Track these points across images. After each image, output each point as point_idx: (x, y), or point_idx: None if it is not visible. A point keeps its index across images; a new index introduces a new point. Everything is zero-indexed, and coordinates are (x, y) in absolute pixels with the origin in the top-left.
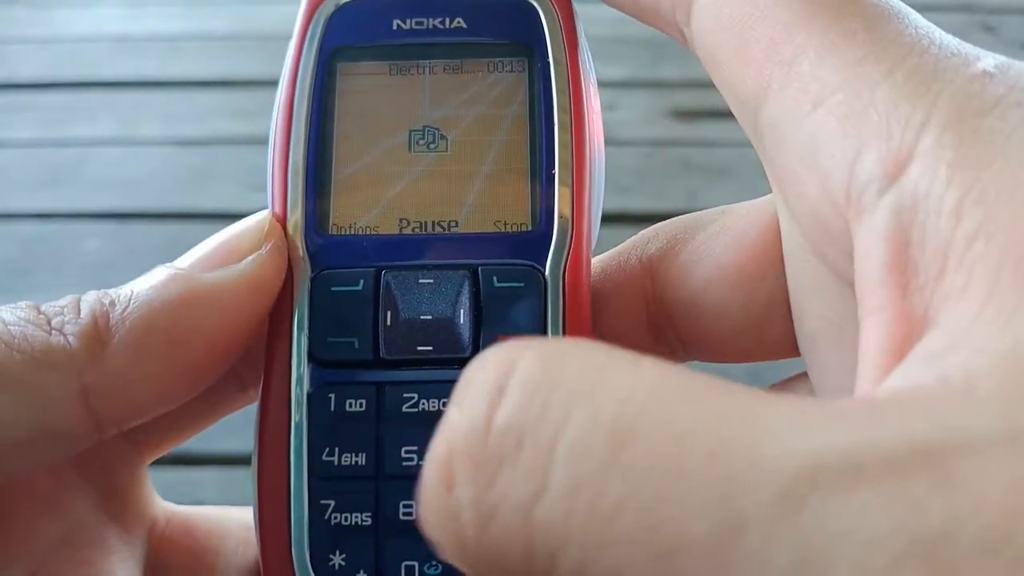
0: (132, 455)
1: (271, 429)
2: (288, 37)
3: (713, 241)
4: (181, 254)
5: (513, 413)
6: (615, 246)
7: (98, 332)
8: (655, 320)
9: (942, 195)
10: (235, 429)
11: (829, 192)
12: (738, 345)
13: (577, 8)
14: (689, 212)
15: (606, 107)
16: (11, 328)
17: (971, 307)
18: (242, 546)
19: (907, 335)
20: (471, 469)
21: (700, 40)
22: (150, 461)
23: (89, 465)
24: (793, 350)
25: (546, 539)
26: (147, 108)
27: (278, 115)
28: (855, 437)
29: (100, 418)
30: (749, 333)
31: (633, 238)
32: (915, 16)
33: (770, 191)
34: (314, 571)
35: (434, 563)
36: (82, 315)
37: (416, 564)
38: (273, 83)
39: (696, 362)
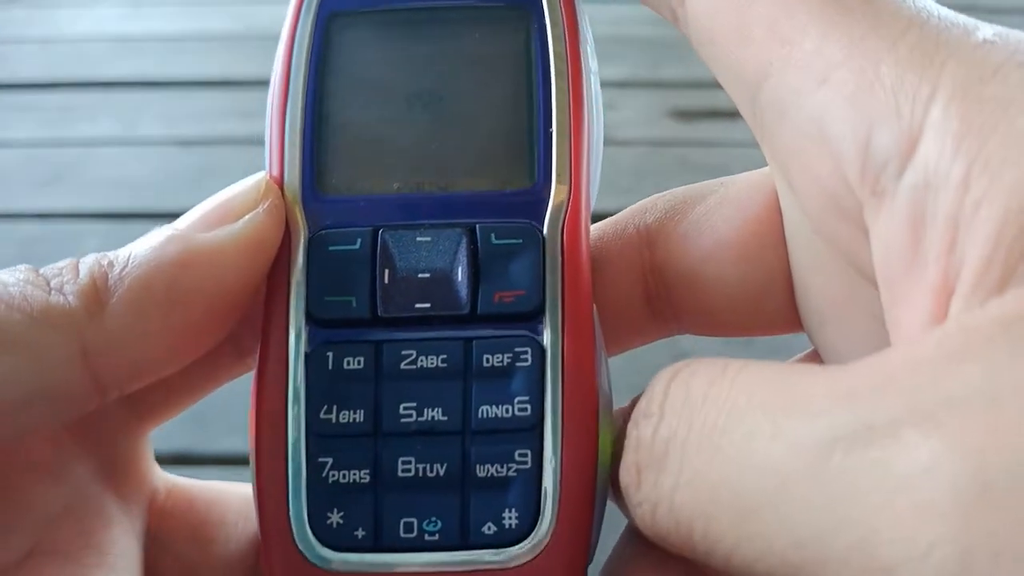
0: (132, 424)
1: (269, 389)
2: None
3: (713, 213)
4: None
5: (662, 432)
6: None
7: (97, 292)
8: (651, 290)
9: (950, 168)
10: (235, 429)
11: (841, 171)
12: (734, 318)
13: (578, 8)
14: None
15: (606, 107)
16: (10, 289)
17: (974, 272)
18: (242, 519)
19: (934, 310)
20: (641, 475)
21: (695, 20)
22: (151, 430)
23: (89, 434)
24: (788, 325)
25: (683, 517)
26: (147, 108)
27: (276, 79)
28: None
29: (100, 378)
30: (746, 306)
31: (631, 207)
32: None
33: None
34: (312, 530)
35: (432, 519)
36: (81, 276)
37: (415, 520)
38: None
39: (689, 335)
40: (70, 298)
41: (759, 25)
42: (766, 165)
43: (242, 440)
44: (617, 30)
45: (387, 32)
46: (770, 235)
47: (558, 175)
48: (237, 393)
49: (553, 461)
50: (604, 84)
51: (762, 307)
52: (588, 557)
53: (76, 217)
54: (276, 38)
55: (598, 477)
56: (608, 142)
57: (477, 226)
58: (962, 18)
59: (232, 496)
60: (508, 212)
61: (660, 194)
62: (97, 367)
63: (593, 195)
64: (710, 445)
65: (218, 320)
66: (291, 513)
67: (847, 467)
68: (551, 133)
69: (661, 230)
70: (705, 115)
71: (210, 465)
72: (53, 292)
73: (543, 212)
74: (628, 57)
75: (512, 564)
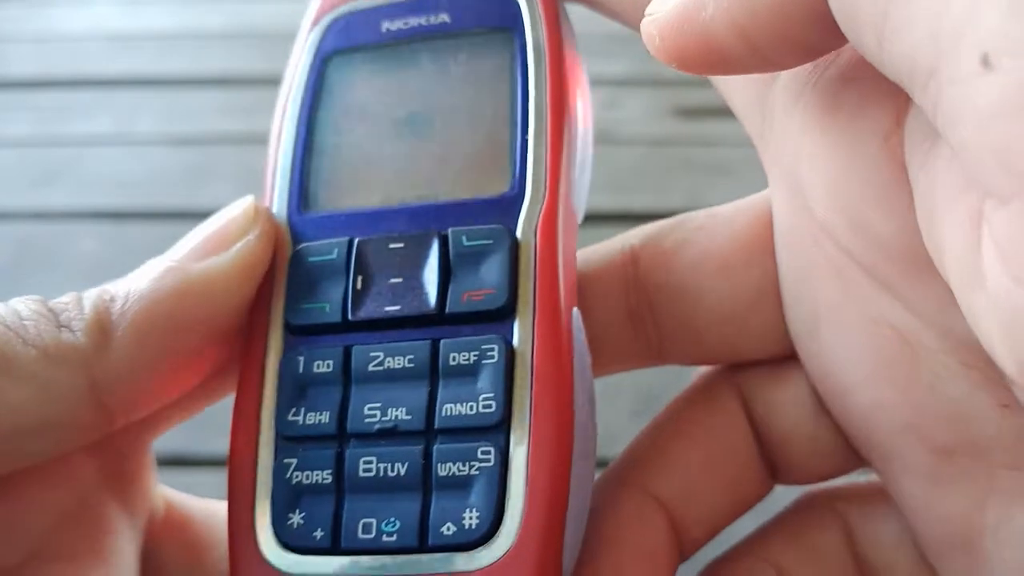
0: (136, 431)
1: (244, 395)
2: (285, 34)
3: (700, 231)
4: None
5: None
6: None
7: (102, 326)
8: (635, 309)
9: None
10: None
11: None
12: (720, 336)
13: (579, 9)
14: (691, 211)
15: (607, 105)
16: (25, 323)
17: None
18: None
19: None
20: None
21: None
22: (154, 438)
23: (95, 441)
24: (774, 343)
25: None
26: (143, 106)
27: (276, 116)
28: None
29: (108, 408)
30: (733, 323)
31: (618, 236)
32: None
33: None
34: (275, 531)
35: (391, 519)
36: (86, 311)
37: (374, 521)
38: (270, 81)
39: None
40: (78, 334)
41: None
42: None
43: None
44: (618, 27)
45: (376, 65)
46: (758, 251)
47: (534, 179)
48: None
49: (520, 460)
50: (606, 82)
51: (748, 323)
52: (562, 562)
53: (72, 216)
54: (273, 36)
55: (575, 478)
56: (610, 140)
57: (449, 230)
58: None
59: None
60: (482, 217)
61: (647, 224)
62: (105, 398)
63: (580, 204)
64: None
65: (218, 343)
66: (256, 514)
67: None
68: (527, 139)
69: (646, 247)
70: (708, 113)
71: (209, 466)
72: (63, 328)
73: (517, 214)
74: (629, 54)
75: (473, 568)
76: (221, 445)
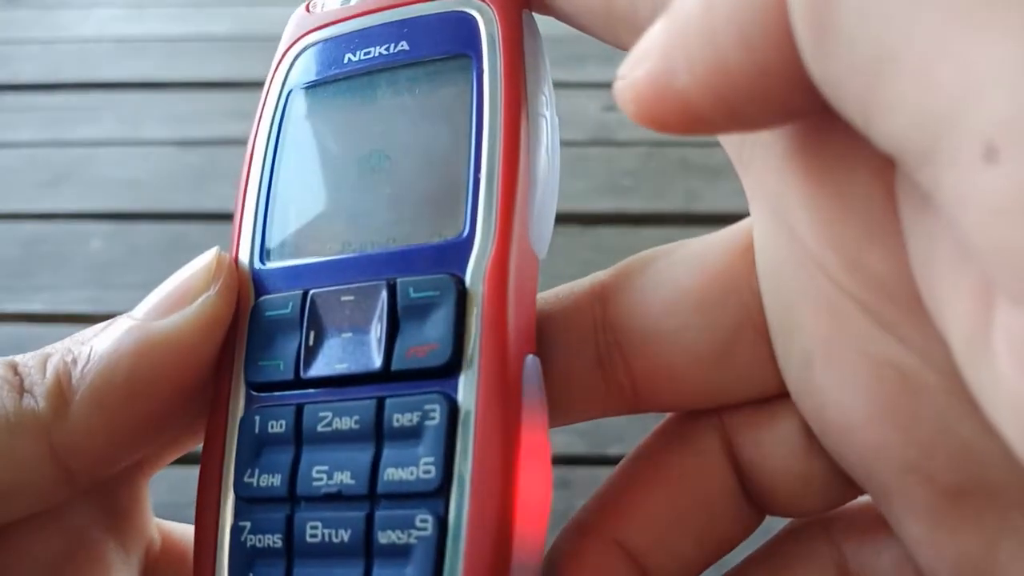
0: (132, 470)
1: (208, 454)
2: None
3: (673, 267)
4: (183, 254)
5: None
6: (615, 246)
7: (62, 391)
8: (604, 353)
9: None
10: None
11: None
12: (699, 378)
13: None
14: (688, 213)
15: (606, 107)
16: None
17: None
18: None
19: None
20: None
21: None
22: (150, 476)
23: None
24: (760, 385)
25: None
26: (149, 109)
27: (245, 158)
28: None
29: (70, 472)
30: (711, 361)
31: (586, 276)
32: None
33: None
34: None
35: None
36: (47, 375)
37: None
38: None
39: (648, 414)
40: (39, 399)
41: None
42: None
43: None
44: None
45: (337, 100)
46: (736, 284)
47: (484, 222)
48: None
49: (456, 529)
50: (605, 85)
51: (729, 361)
52: None
53: (78, 217)
54: (278, 40)
55: (520, 541)
56: (608, 142)
57: (397, 281)
58: None
59: None
60: (433, 265)
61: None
62: (66, 462)
63: (543, 239)
64: None
65: (183, 400)
66: None
67: None
68: (479, 179)
69: (615, 284)
70: None
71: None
72: (25, 395)
73: (467, 260)
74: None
75: None
76: None
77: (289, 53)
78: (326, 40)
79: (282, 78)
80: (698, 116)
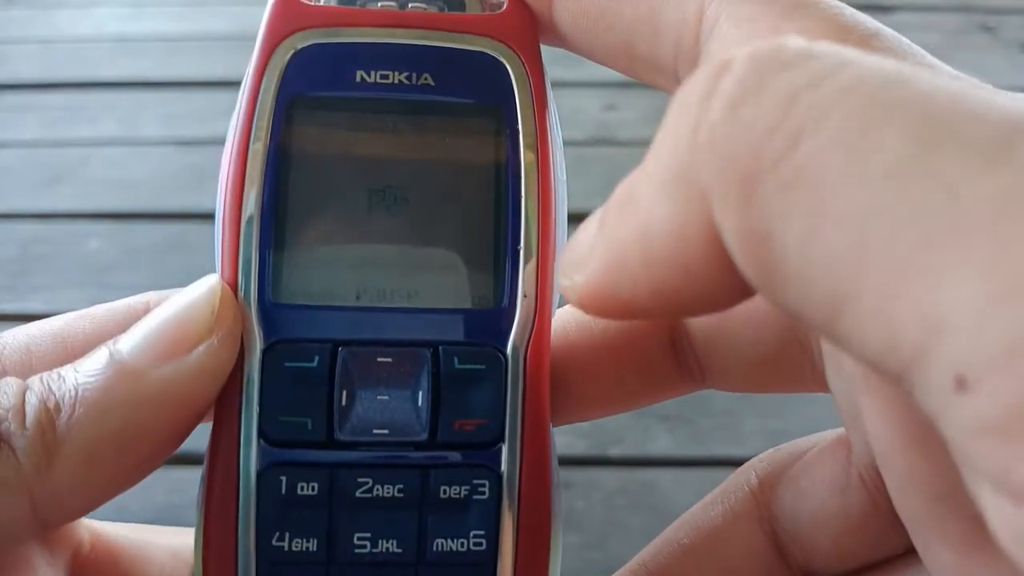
0: None
1: (217, 510)
2: None
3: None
4: (181, 254)
5: (811, 45)
6: None
7: (45, 445)
8: (678, 343)
9: None
10: None
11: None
12: (757, 376)
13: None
14: None
15: (606, 107)
16: None
17: None
18: (164, 573)
19: None
20: (748, 64)
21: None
22: None
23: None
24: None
25: (798, 123)
26: (147, 108)
27: (230, 168)
28: None
29: (46, 520)
30: (765, 363)
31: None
32: (924, 53)
33: None
34: None
35: None
36: (28, 424)
37: None
38: None
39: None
40: (19, 453)
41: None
42: None
43: None
44: None
45: (352, 127)
46: None
47: (524, 296)
48: None
49: None
50: (604, 84)
51: (779, 365)
52: None
53: (76, 217)
54: None
55: None
56: (608, 142)
57: (440, 348)
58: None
59: (155, 548)
60: (472, 332)
61: None
62: (44, 513)
63: (555, 310)
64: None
65: (169, 448)
66: None
67: None
68: (518, 251)
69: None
70: None
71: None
72: (3, 447)
73: (507, 334)
74: None
75: None
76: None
77: (281, 48)
78: (330, 45)
79: (275, 79)
80: (644, 314)
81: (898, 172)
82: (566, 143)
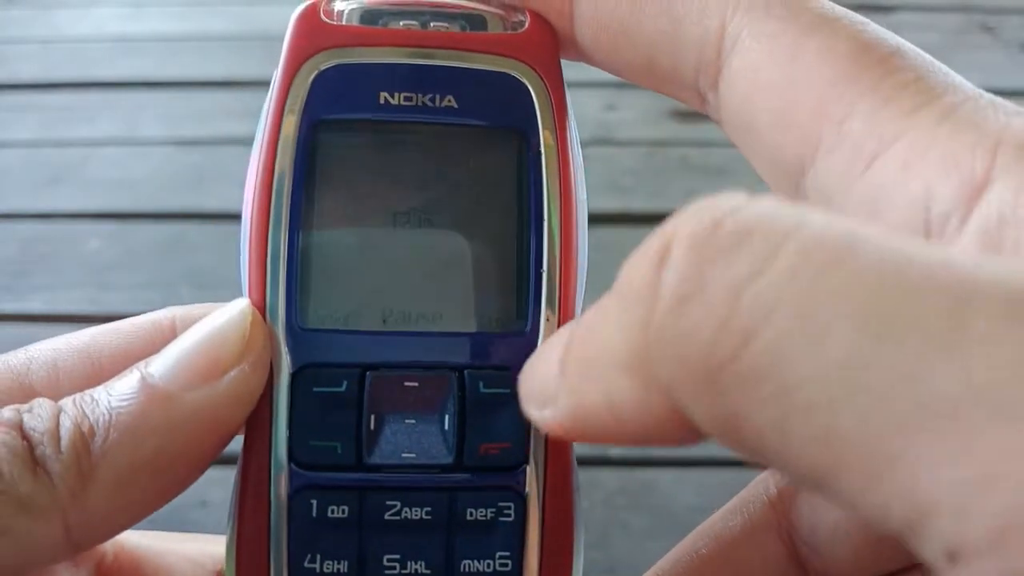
0: None
1: (249, 533)
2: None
3: None
4: (182, 254)
5: (748, 217)
6: (615, 246)
7: (80, 471)
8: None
9: None
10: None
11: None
12: None
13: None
14: None
15: (607, 107)
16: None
17: None
18: None
19: None
20: (689, 252)
21: (733, 105)
22: None
23: None
24: None
25: (746, 320)
26: (147, 108)
27: (256, 190)
28: None
29: (79, 544)
30: None
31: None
32: (947, 69)
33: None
34: None
35: None
36: (63, 448)
37: None
38: None
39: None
40: (55, 478)
41: (805, 107)
42: None
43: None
44: None
45: (377, 147)
46: None
47: (546, 320)
48: None
49: None
50: (604, 84)
51: None
52: None
53: (77, 217)
54: (277, 38)
55: None
56: (608, 142)
57: (466, 373)
58: (996, 98)
59: (177, 558)
60: (497, 355)
61: None
62: (77, 537)
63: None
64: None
65: (200, 470)
66: None
67: None
68: (541, 274)
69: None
70: (704, 115)
71: (216, 465)
72: (39, 471)
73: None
74: None
75: None
76: (231, 444)
77: (306, 68)
78: (353, 66)
79: (301, 99)
80: (618, 444)
81: (854, 364)
82: None
